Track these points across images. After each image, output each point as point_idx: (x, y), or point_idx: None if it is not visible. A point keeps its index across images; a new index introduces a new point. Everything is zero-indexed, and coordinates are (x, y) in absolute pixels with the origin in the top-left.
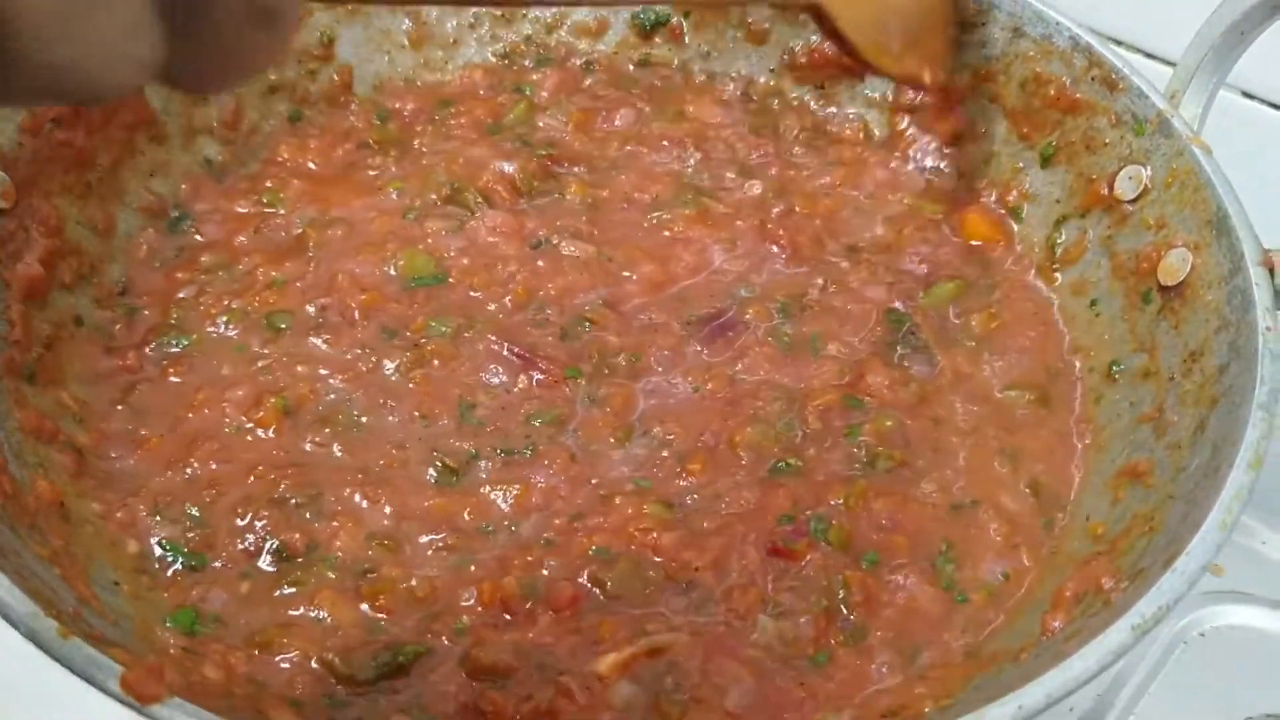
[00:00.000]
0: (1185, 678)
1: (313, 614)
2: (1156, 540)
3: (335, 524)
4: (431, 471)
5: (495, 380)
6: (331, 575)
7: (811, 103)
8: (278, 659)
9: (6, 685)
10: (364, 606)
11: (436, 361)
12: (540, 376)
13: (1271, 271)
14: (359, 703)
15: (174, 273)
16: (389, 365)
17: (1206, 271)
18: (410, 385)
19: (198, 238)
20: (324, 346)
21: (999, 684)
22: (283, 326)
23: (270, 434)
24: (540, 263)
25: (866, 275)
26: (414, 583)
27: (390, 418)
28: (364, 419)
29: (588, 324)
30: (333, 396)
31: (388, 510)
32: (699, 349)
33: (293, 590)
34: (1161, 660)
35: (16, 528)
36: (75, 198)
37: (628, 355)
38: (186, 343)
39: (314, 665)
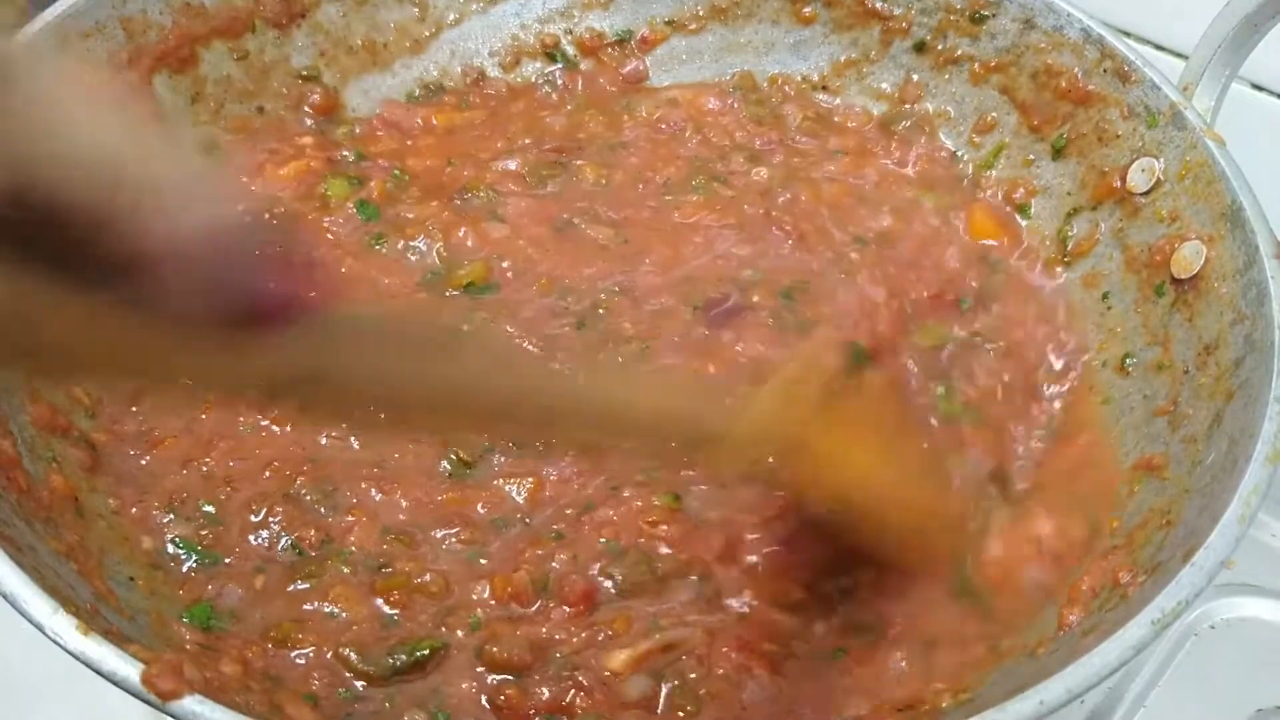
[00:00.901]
0: (1196, 670)
1: (327, 609)
2: (1174, 534)
3: (350, 519)
4: (445, 464)
5: None
6: (345, 570)
7: (814, 94)
8: (294, 654)
9: (18, 679)
10: (378, 601)
11: None
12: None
13: None
14: (376, 697)
15: None
16: None
17: (1221, 264)
18: None
19: None
20: None
21: (1016, 678)
22: None
23: (286, 430)
24: (565, 246)
25: (878, 274)
26: (428, 578)
27: None
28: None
29: (603, 311)
30: None
31: (403, 504)
32: (706, 333)
33: (307, 585)
34: (1172, 653)
35: (32, 522)
36: None
37: (639, 343)
38: None
39: (330, 659)
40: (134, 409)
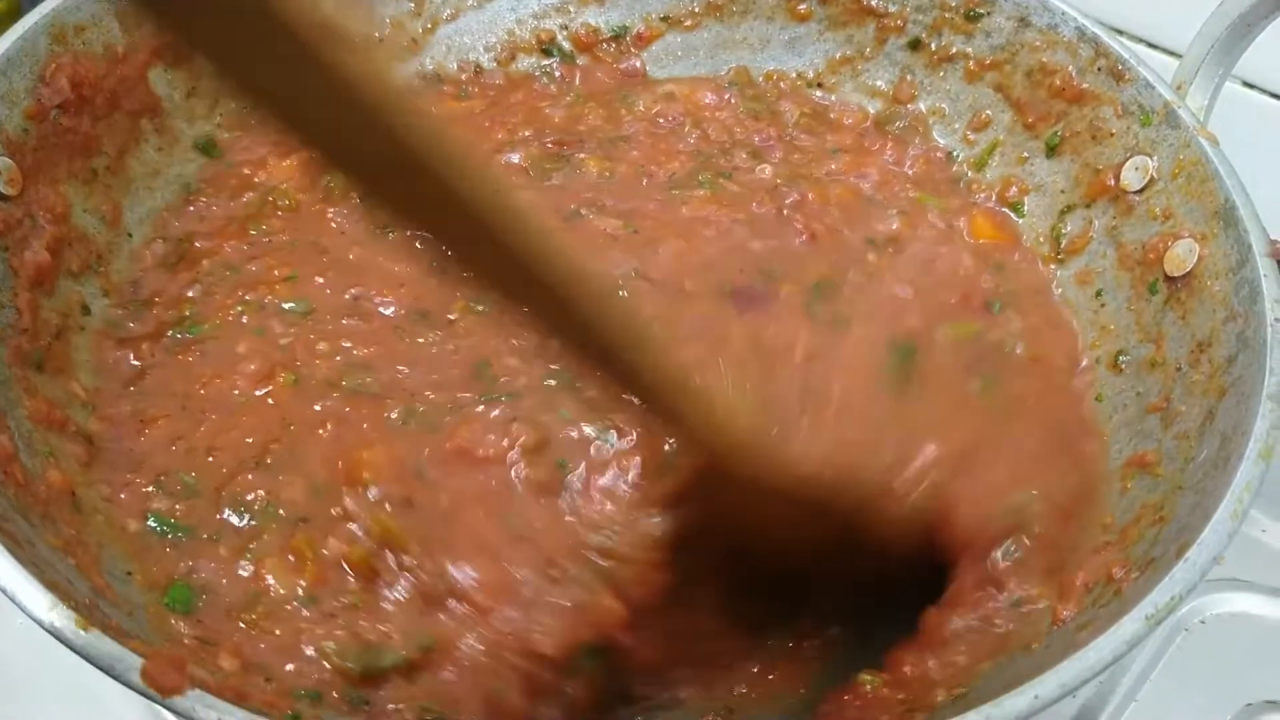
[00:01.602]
0: (1186, 665)
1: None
2: (1166, 530)
3: (283, 478)
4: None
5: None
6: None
7: (809, 90)
8: (296, 647)
9: (16, 676)
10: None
11: (473, 335)
12: None
13: (1279, 263)
14: (376, 696)
15: (179, 273)
16: (421, 340)
17: (1214, 263)
18: (434, 350)
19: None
20: (357, 323)
21: (1011, 674)
22: (307, 310)
23: (278, 402)
24: (574, 236)
25: (902, 275)
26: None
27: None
28: (368, 378)
29: (623, 294)
30: (351, 367)
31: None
32: (735, 317)
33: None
34: (1162, 647)
35: (29, 517)
36: (81, 184)
37: (662, 325)
38: (199, 331)
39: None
40: (131, 387)
